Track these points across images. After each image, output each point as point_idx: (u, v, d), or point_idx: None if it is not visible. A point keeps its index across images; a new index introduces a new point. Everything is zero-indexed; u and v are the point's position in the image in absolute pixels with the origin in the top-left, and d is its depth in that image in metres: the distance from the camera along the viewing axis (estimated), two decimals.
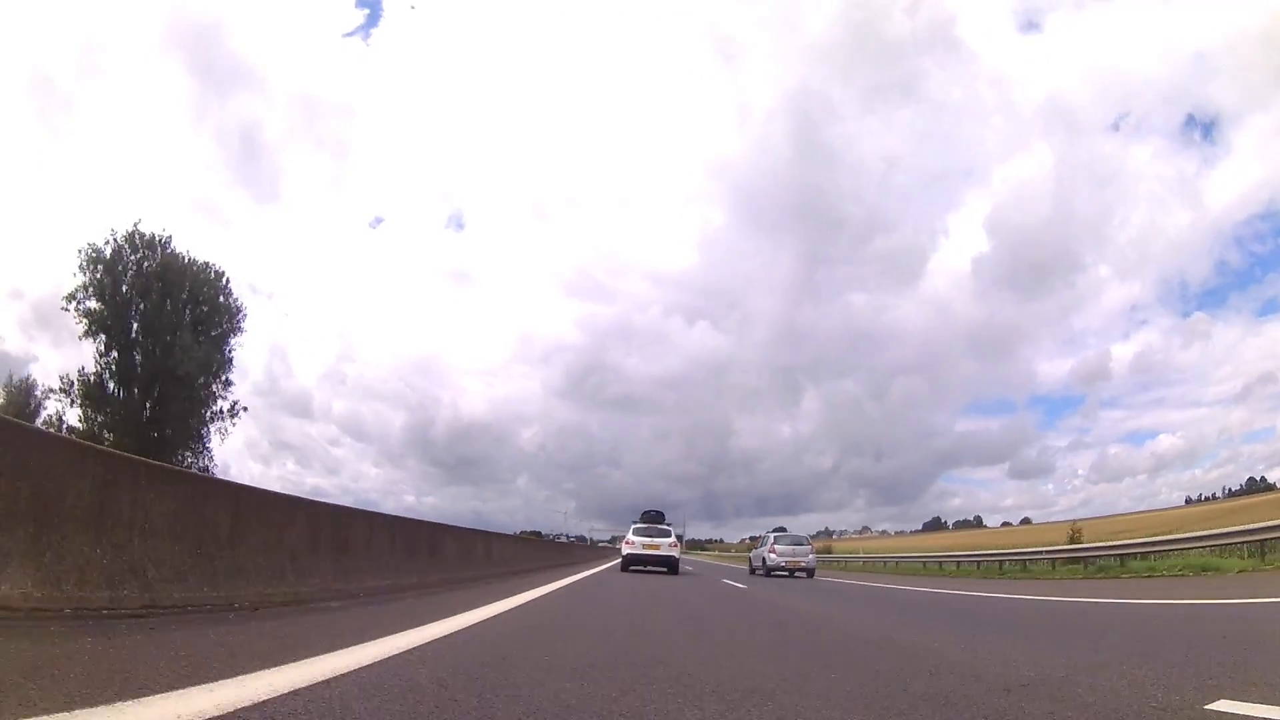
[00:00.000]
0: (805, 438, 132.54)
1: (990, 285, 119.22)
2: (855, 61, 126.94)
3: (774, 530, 24.96)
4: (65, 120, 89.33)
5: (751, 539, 70.91)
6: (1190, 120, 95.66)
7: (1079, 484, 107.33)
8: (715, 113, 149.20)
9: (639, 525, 21.12)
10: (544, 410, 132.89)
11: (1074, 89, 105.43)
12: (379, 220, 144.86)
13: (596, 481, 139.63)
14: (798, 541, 21.73)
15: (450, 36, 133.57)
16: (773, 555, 20.89)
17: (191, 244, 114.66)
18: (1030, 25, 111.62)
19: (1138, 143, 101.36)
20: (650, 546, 18.94)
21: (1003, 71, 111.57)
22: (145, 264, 36.66)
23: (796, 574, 20.17)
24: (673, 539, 19.76)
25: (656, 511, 24.20)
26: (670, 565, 18.76)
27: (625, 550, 19.57)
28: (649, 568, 18.65)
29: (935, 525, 73.46)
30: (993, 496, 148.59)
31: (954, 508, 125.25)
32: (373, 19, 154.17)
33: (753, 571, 22.27)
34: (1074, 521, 27.68)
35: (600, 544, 61.69)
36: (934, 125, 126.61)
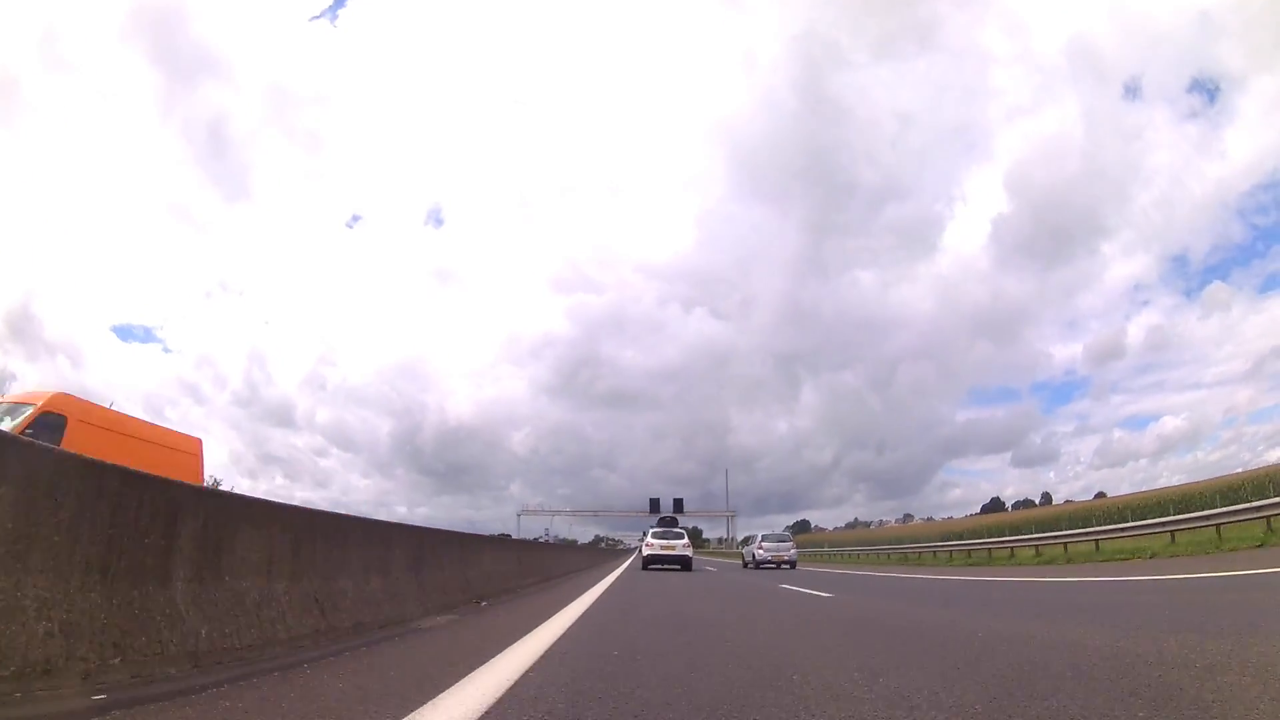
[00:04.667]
0: (805, 432, 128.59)
1: (1008, 253, 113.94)
2: (866, 2, 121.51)
3: (788, 527, 29.56)
4: (30, 120, 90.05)
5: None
6: (1195, 84, 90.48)
7: (1081, 470, 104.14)
8: (716, 65, 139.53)
9: (656, 530, 25.70)
10: (535, 411, 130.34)
11: (1093, 36, 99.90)
12: (356, 218, 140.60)
13: (592, 485, 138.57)
14: (781, 539, 26.42)
15: (419, 13, 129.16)
16: (760, 551, 25.59)
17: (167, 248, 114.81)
18: None
19: (1146, 107, 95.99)
20: (667, 548, 22.09)
21: (1021, 17, 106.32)
22: None
23: (782, 566, 24.58)
24: (686, 540, 23.66)
25: (671, 517, 29.24)
26: (684, 563, 22.02)
27: (645, 551, 22.84)
28: (666, 566, 21.73)
29: (995, 507, 74.06)
30: (994, 486, 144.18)
31: (955, 499, 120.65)
32: None
33: (745, 565, 26.85)
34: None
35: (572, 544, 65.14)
36: (952, 76, 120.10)
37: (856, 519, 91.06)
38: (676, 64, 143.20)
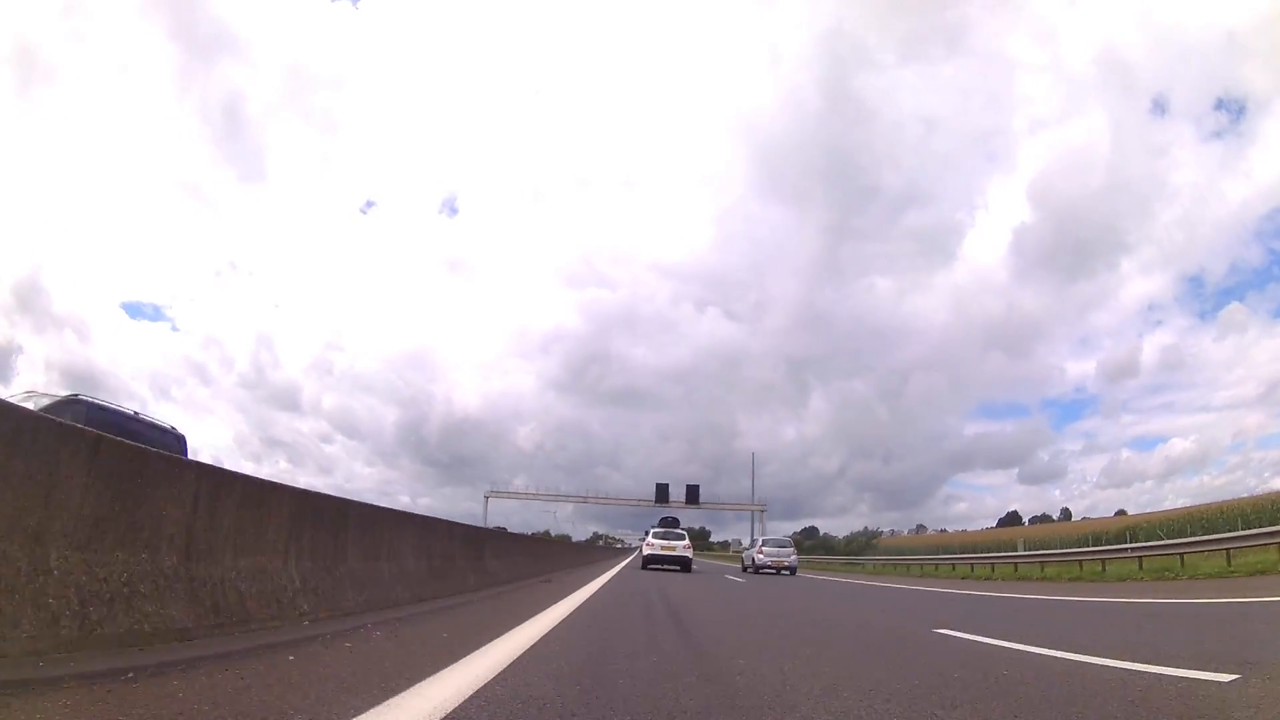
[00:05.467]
0: (812, 439, 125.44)
1: (1027, 265, 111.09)
2: (895, 2, 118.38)
3: (793, 534, 29.21)
4: (48, 92, 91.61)
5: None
6: (1219, 104, 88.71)
7: (1087, 489, 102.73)
8: (740, 58, 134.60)
9: (657, 530, 25.61)
10: (541, 406, 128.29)
11: (1123, 48, 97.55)
12: (370, 204, 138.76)
13: (596, 483, 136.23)
14: (781, 544, 25.90)
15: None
16: (760, 556, 25.18)
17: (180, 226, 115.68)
18: None
19: (1173, 123, 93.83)
20: (667, 548, 22.67)
21: (1051, 24, 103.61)
22: None
23: (781, 571, 24.19)
24: (686, 541, 23.80)
25: (673, 518, 28.82)
26: (684, 564, 22.48)
27: (645, 551, 23.39)
28: (665, 567, 22.17)
29: (1012, 520, 72.58)
30: (999, 502, 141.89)
31: (960, 512, 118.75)
32: None
33: (744, 570, 26.47)
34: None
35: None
36: (980, 82, 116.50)
37: (866, 528, 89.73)
38: (699, 56, 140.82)
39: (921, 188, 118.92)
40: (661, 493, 66.16)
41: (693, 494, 65.58)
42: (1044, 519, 68.49)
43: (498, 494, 67.60)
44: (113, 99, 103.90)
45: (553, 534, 66.10)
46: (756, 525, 64.13)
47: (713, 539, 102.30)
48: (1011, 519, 74.33)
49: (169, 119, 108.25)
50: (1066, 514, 77.78)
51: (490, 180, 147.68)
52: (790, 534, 44.31)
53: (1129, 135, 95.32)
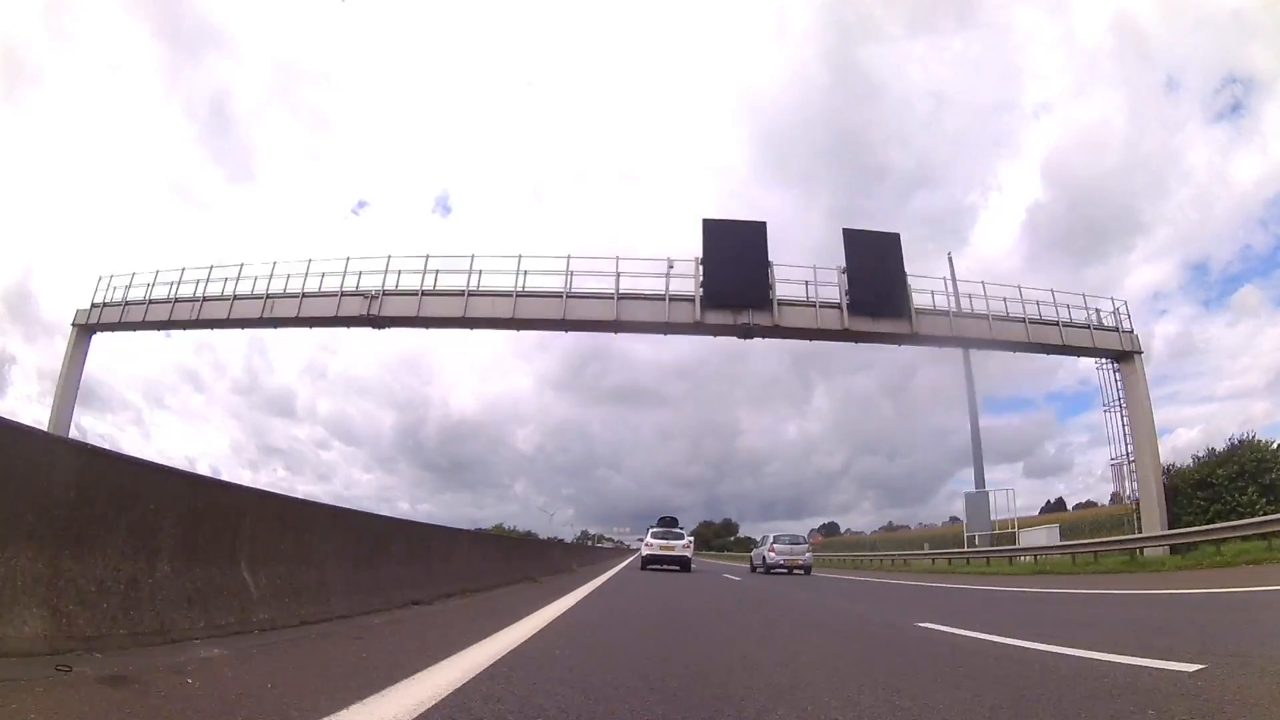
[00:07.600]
0: (815, 436, 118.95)
1: (1039, 248, 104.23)
2: None
3: (814, 530, 26.17)
4: (35, 94, 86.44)
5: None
6: (1223, 86, 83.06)
7: (1092, 482, 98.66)
8: (743, 36, 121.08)
9: (656, 530, 23.83)
10: (540, 407, 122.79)
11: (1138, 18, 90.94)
12: (363, 204, 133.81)
13: (597, 485, 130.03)
14: (795, 541, 22.98)
15: None
16: (772, 554, 22.35)
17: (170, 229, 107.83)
18: None
19: (1184, 100, 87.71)
20: (667, 548, 21.64)
21: None
22: None
23: (795, 571, 21.27)
24: (685, 541, 22.56)
25: (671, 518, 26.99)
26: (683, 564, 21.48)
27: (645, 551, 22.27)
28: (665, 567, 21.17)
29: (1058, 507, 68.35)
30: (1003, 496, 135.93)
31: (962, 508, 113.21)
32: None
33: (753, 569, 23.61)
34: None
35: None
36: (992, 55, 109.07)
37: (891, 522, 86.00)
38: (700, 32, 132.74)
39: (932, 167, 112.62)
40: (714, 286, 25.31)
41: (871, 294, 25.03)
42: (1089, 505, 64.39)
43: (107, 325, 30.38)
44: (100, 99, 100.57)
45: (554, 537, 60.58)
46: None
47: (741, 533, 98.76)
48: (1057, 506, 70.10)
49: (157, 118, 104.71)
50: (1117, 500, 73.02)
51: (484, 177, 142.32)
52: (810, 531, 41.34)
53: (1144, 110, 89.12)
